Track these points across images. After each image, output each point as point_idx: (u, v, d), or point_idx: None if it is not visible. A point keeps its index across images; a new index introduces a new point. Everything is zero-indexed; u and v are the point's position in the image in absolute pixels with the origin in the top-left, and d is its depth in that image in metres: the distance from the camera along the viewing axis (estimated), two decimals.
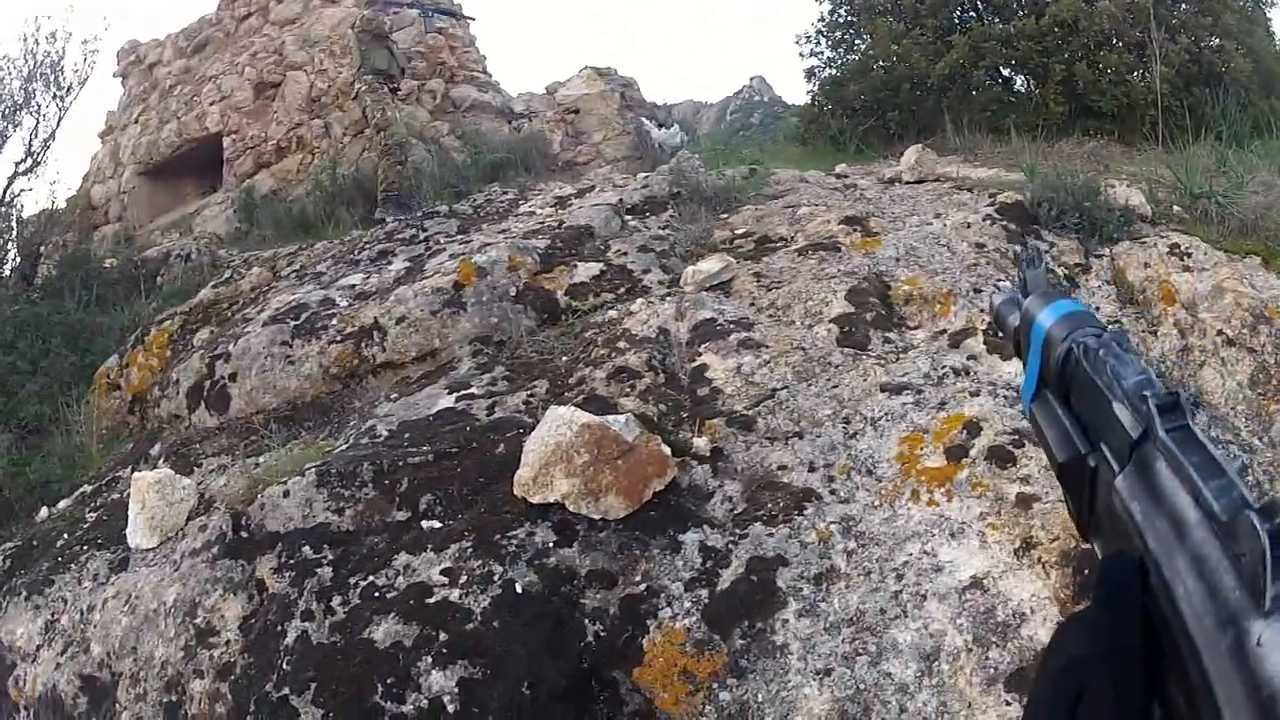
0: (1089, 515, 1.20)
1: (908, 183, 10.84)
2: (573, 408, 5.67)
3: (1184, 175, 9.34)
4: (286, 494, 5.79)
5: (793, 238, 8.82)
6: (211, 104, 18.45)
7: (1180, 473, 0.99)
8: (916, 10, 16.32)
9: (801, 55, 18.29)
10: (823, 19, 18.05)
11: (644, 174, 12.16)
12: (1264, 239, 8.21)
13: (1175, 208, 9.07)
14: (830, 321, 7.01)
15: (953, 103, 14.60)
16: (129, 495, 6.63)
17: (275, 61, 17.62)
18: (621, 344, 7.02)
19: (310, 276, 9.89)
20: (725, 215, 9.97)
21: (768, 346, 6.78)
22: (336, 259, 10.32)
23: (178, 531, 6.32)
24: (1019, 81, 15.97)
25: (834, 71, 17.34)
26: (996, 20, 15.76)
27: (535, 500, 5.34)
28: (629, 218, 9.97)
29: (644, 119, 18.36)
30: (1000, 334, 1.68)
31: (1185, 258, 7.87)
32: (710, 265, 8.05)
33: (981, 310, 6.92)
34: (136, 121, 20.22)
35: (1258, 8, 16.73)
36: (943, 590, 4.67)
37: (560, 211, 10.36)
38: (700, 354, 6.82)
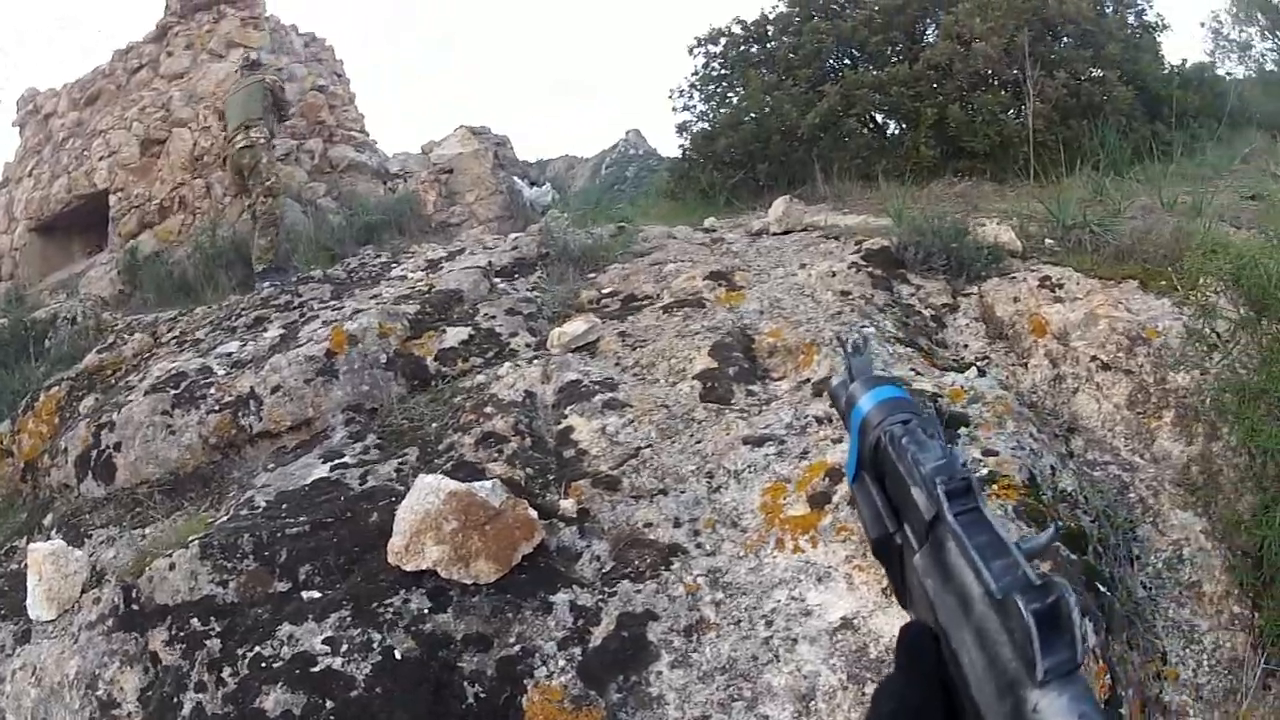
0: (902, 586, 1.32)
1: (775, 234, 10.99)
2: (440, 476, 5.72)
3: (1056, 208, 9.46)
4: (172, 566, 5.77)
5: (659, 295, 8.91)
6: (100, 159, 18.14)
7: (965, 554, 1.12)
8: (790, 61, 16.54)
9: (674, 110, 18.40)
10: (696, 72, 18.27)
11: (514, 235, 12.29)
12: (1142, 262, 8.25)
13: (1047, 240, 9.19)
14: (694, 378, 7.12)
15: (823, 151, 14.74)
16: (26, 566, 6.69)
17: (162, 118, 17.31)
18: (489, 409, 7.04)
19: (190, 344, 9.85)
20: (593, 275, 10.05)
21: (632, 406, 6.87)
22: (215, 325, 10.28)
23: (73, 603, 6.36)
24: (890, 127, 16.19)
25: (705, 125, 17.47)
26: (870, 68, 15.97)
27: (409, 568, 5.38)
28: (498, 280, 10.01)
29: (516, 178, 18.39)
30: (839, 414, 1.72)
31: (1056, 289, 7.99)
32: (576, 327, 8.13)
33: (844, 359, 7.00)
34: (30, 174, 19.93)
35: (1146, 33, 17.00)
36: (813, 633, 4.78)
37: (431, 275, 10.40)
38: (566, 416, 6.90)
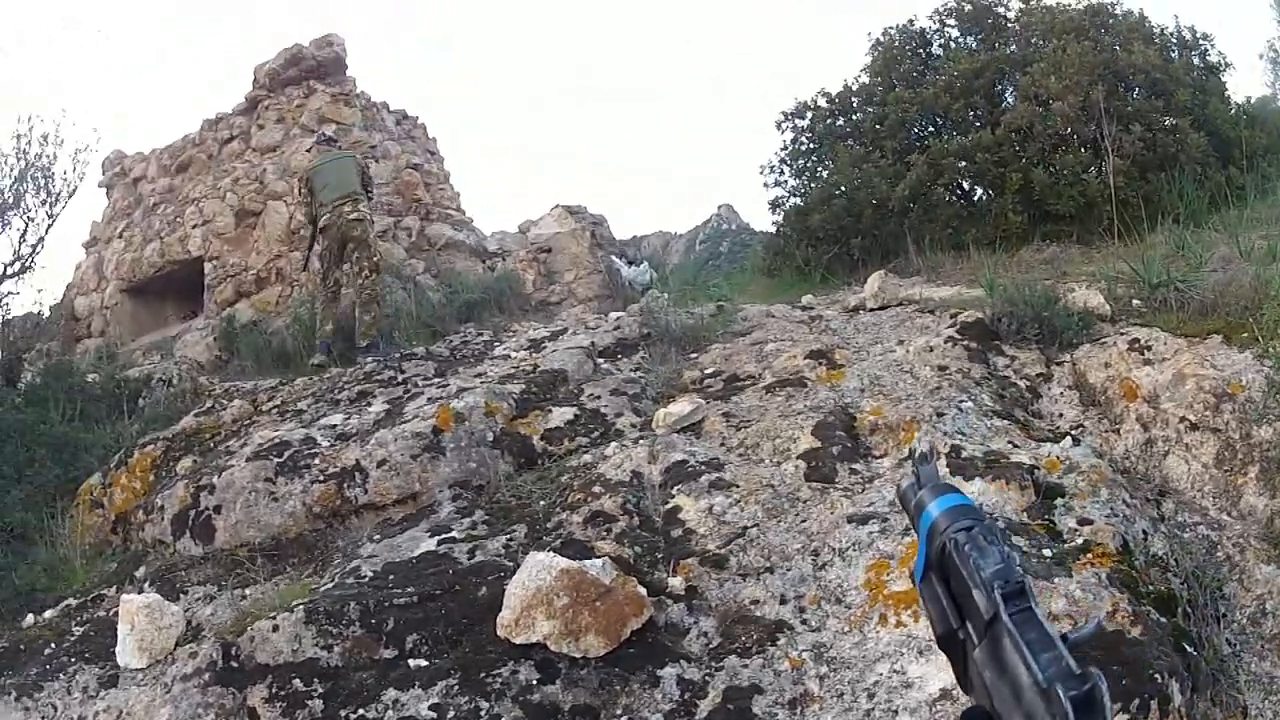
0: (964, 675, 1.53)
1: (871, 310, 11.07)
2: (551, 553, 5.89)
3: (1141, 268, 9.44)
4: (276, 628, 5.88)
5: (760, 374, 8.98)
6: (194, 227, 18.39)
7: (1018, 649, 1.33)
8: (876, 133, 16.53)
9: (765, 185, 18.34)
10: (785, 147, 18.22)
11: (615, 315, 12.38)
12: (1224, 316, 8.24)
13: (1135, 301, 9.25)
14: (798, 458, 7.21)
15: (914, 223, 14.79)
16: (115, 614, 6.76)
17: (256, 190, 17.56)
18: (596, 488, 7.15)
19: (291, 414, 9.99)
20: (694, 355, 10.19)
21: (738, 486, 6.96)
22: (316, 397, 10.41)
23: (166, 655, 6.41)
24: (978, 193, 16.15)
25: (798, 200, 17.49)
26: (954, 134, 15.89)
27: (518, 640, 5.51)
28: (601, 360, 10.20)
29: (614, 257, 18.54)
30: (905, 513, 1.94)
31: (1145, 351, 8.01)
32: (681, 407, 8.25)
33: (945, 433, 7.11)
34: (120, 236, 20.12)
35: (1211, 75, 16.74)
36: (913, 704, 4.86)
37: (534, 355, 10.52)
38: (673, 496, 7.01)
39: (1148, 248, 10.41)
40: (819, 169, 17.80)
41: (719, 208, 29.90)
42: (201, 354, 15.83)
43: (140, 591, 7.22)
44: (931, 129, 16.89)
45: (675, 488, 7.08)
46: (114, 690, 6.33)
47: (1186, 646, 5.29)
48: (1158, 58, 15.33)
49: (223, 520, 7.94)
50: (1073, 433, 7.48)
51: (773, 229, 18.43)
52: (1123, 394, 7.76)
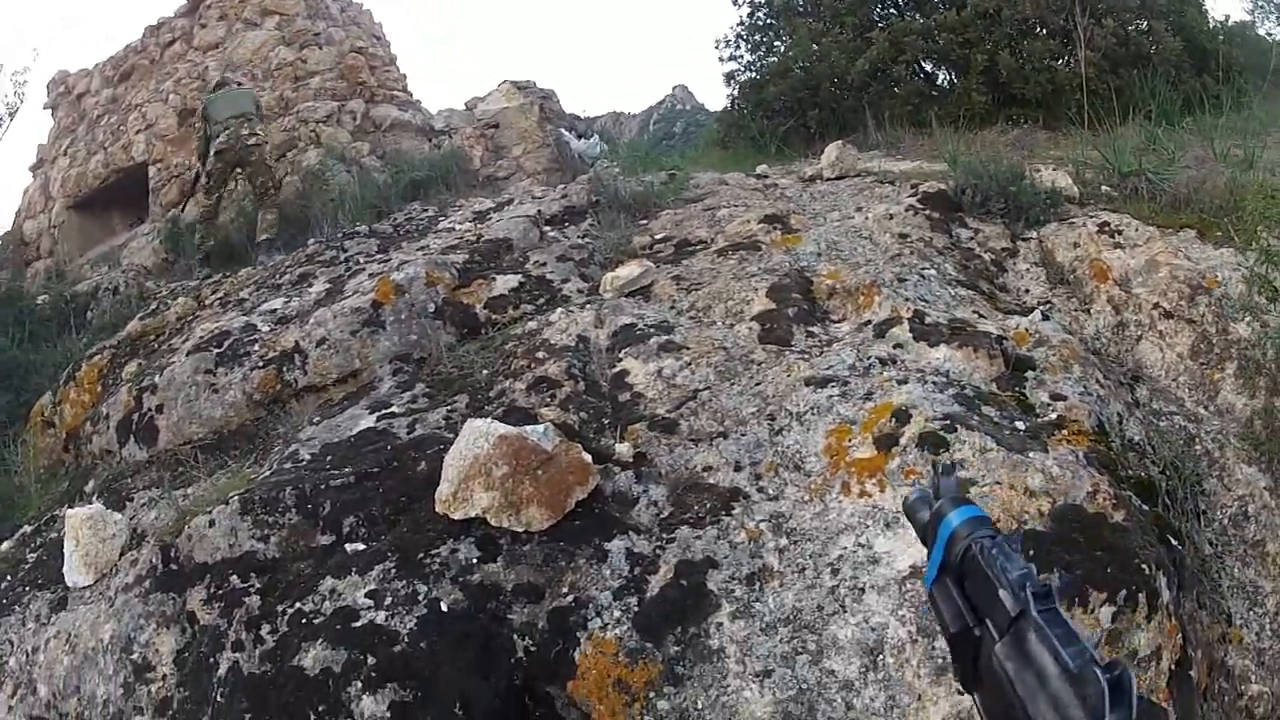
0: (972, 673, 1.69)
1: (829, 179, 10.78)
2: (490, 420, 5.56)
3: (1112, 155, 9.33)
4: (212, 524, 5.69)
5: (713, 239, 8.73)
6: (137, 133, 18.22)
7: (1046, 641, 1.46)
8: (836, 9, 16.22)
9: (721, 60, 18.18)
10: (741, 22, 17.98)
11: (563, 185, 12.09)
12: (1198, 212, 8.20)
13: (1104, 188, 9.13)
14: (751, 319, 6.94)
15: (873, 99, 14.48)
16: (67, 514, 6.65)
17: (199, 88, 17.17)
18: (541, 354, 6.91)
19: (234, 304, 9.75)
20: (645, 221, 9.89)
21: (689, 348, 6.69)
22: (259, 284, 10.16)
23: (111, 567, 6.27)
24: (941, 75, 15.89)
25: (753, 74, 17.18)
26: (917, 15, 15.61)
27: (457, 516, 5.23)
28: (548, 228, 9.87)
29: (563, 130, 18.23)
30: (911, 524, 2.14)
31: (1116, 235, 7.86)
32: (629, 271, 7.94)
33: (907, 299, 6.88)
34: (65, 154, 19.94)
35: None
36: (881, 582, 4.62)
37: (479, 226, 10.20)
38: (620, 359, 6.74)
39: (1118, 137, 10.27)
40: (776, 44, 17.47)
41: (674, 88, 29.89)
42: (148, 258, 15.78)
43: (88, 505, 7.01)
44: (894, 10, 16.65)
45: (623, 351, 6.81)
46: (63, 613, 6.26)
47: (1170, 539, 5.14)
48: None
49: (165, 419, 7.80)
50: (1041, 308, 7.28)
51: (727, 102, 18.13)
52: (1093, 274, 7.63)
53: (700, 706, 4.47)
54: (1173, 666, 4.50)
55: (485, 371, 7.10)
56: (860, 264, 7.61)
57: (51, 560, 6.80)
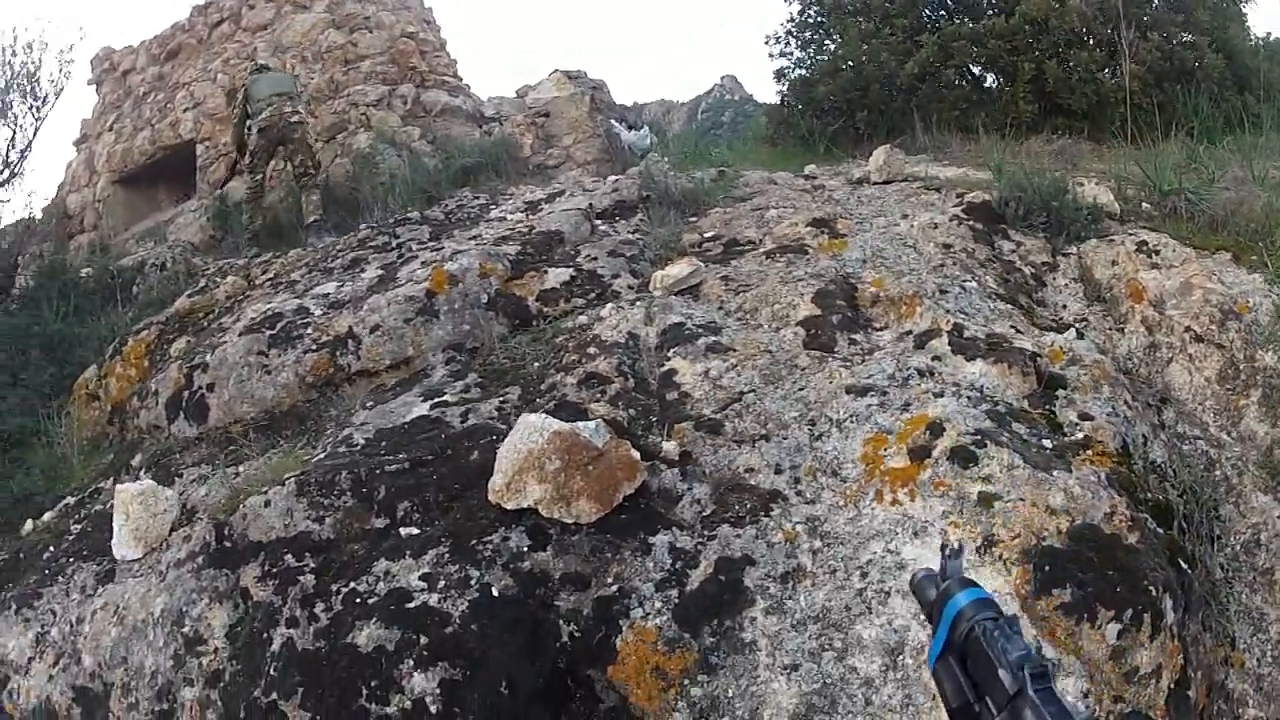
0: None
1: (876, 183, 10.84)
2: (544, 415, 5.76)
3: (1153, 172, 9.30)
4: (267, 504, 5.87)
5: (761, 240, 8.85)
6: (185, 111, 18.28)
7: (1040, 718, 1.65)
8: (886, 10, 16.13)
9: (771, 56, 18.07)
10: (792, 19, 17.87)
11: (614, 178, 12.13)
12: (1235, 234, 8.19)
13: (1144, 205, 9.09)
14: (797, 325, 7.11)
15: (921, 102, 14.48)
16: (112, 507, 6.67)
17: (248, 68, 17.32)
18: (591, 350, 7.11)
19: (285, 285, 10.01)
20: (694, 219, 10.03)
21: (735, 350, 6.88)
22: (310, 267, 10.33)
23: (162, 542, 6.36)
24: (989, 80, 15.79)
25: (803, 72, 17.19)
26: (966, 19, 15.59)
27: (509, 506, 5.44)
28: (599, 222, 10.08)
29: (613, 121, 18.32)
30: (918, 603, 2.35)
31: (1153, 255, 7.90)
32: (679, 270, 8.11)
33: (948, 311, 7.03)
34: (111, 129, 19.91)
35: (1232, 3, 16.40)
36: (905, 588, 4.78)
37: (531, 217, 10.36)
38: (669, 359, 6.92)
39: (1159, 153, 10.19)
40: (826, 42, 17.44)
41: (722, 78, 29.79)
42: (195, 235, 15.85)
43: (136, 479, 7.14)
44: (943, 12, 16.58)
45: (671, 350, 7.00)
46: (111, 585, 6.35)
47: (1181, 563, 5.26)
48: None
49: (216, 398, 8.00)
50: (1076, 325, 7.45)
51: (776, 99, 18.00)
52: (1128, 294, 7.68)
53: (731, 695, 4.71)
54: (1172, 685, 4.67)
55: (537, 364, 7.29)
56: (904, 273, 7.73)
57: (96, 532, 6.95)
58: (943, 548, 2.41)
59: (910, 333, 6.93)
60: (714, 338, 7.06)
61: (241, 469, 7.03)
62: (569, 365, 6.99)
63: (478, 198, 12.31)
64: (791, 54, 17.75)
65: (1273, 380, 6.67)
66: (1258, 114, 12.85)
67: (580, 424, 5.63)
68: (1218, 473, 6.30)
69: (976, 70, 15.71)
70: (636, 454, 5.63)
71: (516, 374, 7.22)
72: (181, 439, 7.98)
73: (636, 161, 14.03)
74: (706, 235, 9.30)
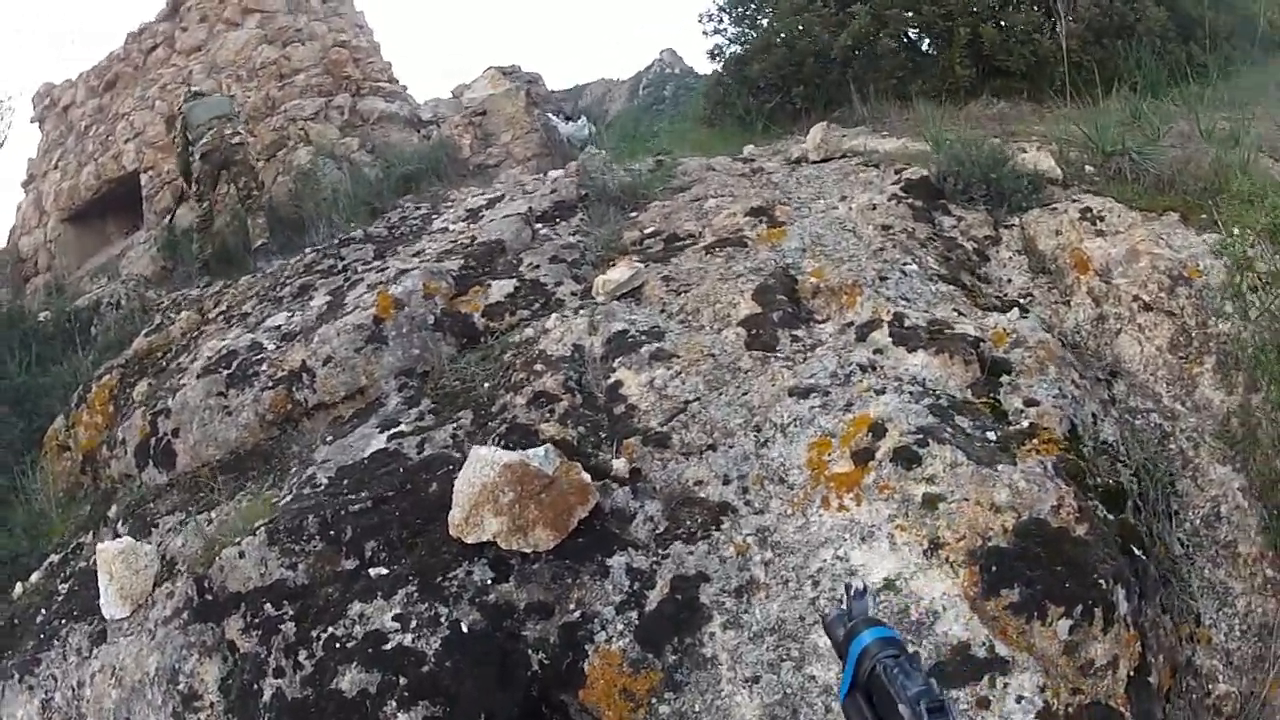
0: None
1: (814, 162, 10.85)
2: (494, 448, 5.82)
3: (1095, 133, 9.27)
4: (242, 554, 5.94)
5: (700, 233, 8.89)
6: (126, 141, 18.12)
7: None
8: None
9: (705, 34, 17.92)
10: None
11: (552, 175, 12.13)
12: (1182, 194, 8.16)
13: (1088, 168, 9.11)
14: (738, 324, 7.12)
15: (857, 73, 14.38)
16: (95, 563, 6.75)
17: (184, 94, 17.25)
18: (539, 366, 7.11)
19: (237, 319, 10.00)
20: (634, 214, 10.02)
21: (679, 356, 6.92)
22: (260, 297, 10.28)
23: (146, 598, 6.42)
24: (924, 46, 15.69)
25: (737, 48, 17.08)
26: None
27: (470, 540, 5.53)
28: (539, 226, 10.07)
29: (550, 115, 18.32)
30: (830, 642, 2.52)
31: (1098, 221, 7.92)
32: (619, 273, 8.11)
33: (889, 299, 7.09)
34: (56, 167, 19.77)
35: None
36: None
37: (472, 226, 10.32)
38: (615, 369, 6.95)
39: (1101, 112, 10.21)
40: (759, 17, 17.29)
41: (661, 53, 29.35)
42: (146, 267, 15.78)
43: (115, 535, 7.41)
44: None
45: (617, 360, 7.01)
46: (105, 645, 6.40)
47: (1134, 549, 5.34)
48: None
49: (181, 443, 7.98)
50: (1021, 302, 7.50)
51: (712, 78, 17.93)
52: (1073, 264, 7.69)
53: (698, 710, 4.85)
54: (1131, 673, 4.76)
55: (487, 384, 7.31)
56: (844, 260, 7.77)
57: (84, 590, 6.99)
58: (847, 588, 2.59)
59: (852, 324, 6.99)
60: (657, 344, 7.09)
61: (214, 515, 7.04)
62: (518, 384, 6.99)
63: (419, 207, 12.20)
64: (725, 30, 17.66)
65: (1227, 347, 6.70)
66: (1204, 64, 12.94)
67: (530, 452, 5.70)
68: (1172, 446, 6.37)
69: (912, 35, 15.60)
70: (588, 476, 5.69)
71: (468, 396, 7.25)
72: (153, 486, 8.00)
73: (576, 153, 14.09)
74: (647, 231, 9.28)
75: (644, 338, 7.19)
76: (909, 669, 2.12)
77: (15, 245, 20.16)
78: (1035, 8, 14.12)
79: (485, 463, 5.60)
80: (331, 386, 7.81)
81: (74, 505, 8.95)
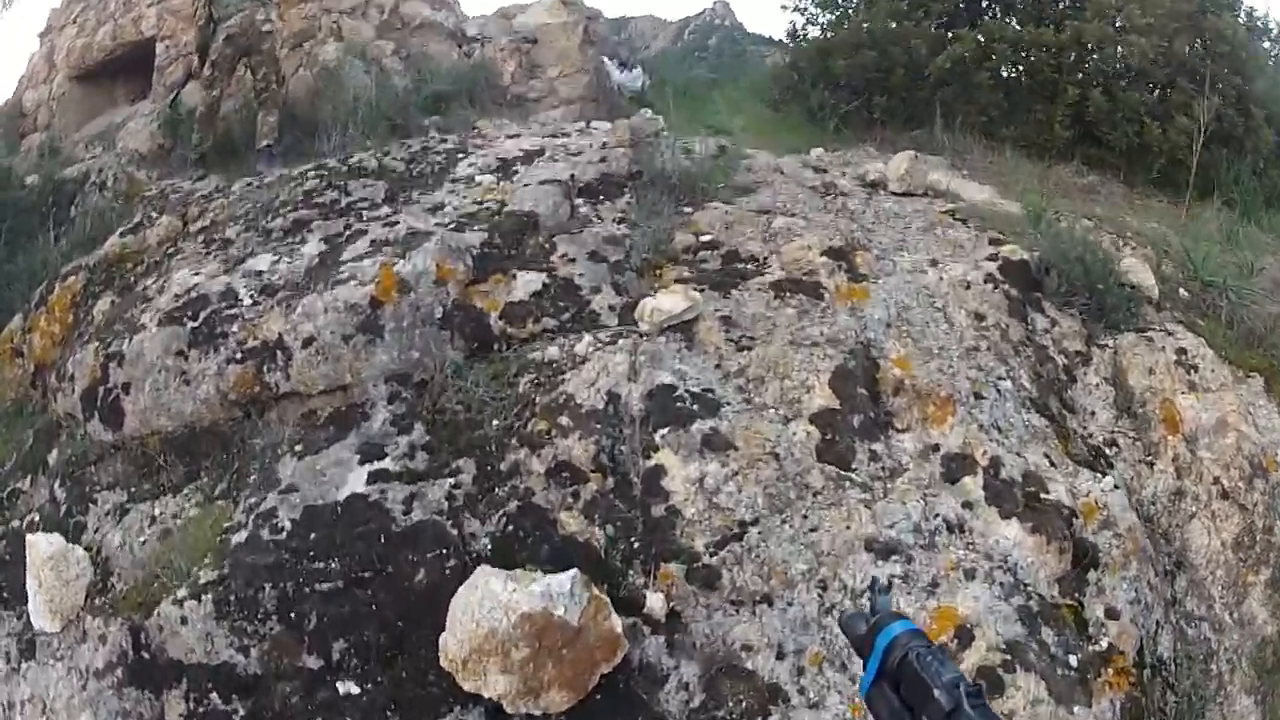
0: None
1: (894, 193, 9.84)
2: (507, 583, 5.00)
3: (1192, 249, 8.81)
4: (184, 620, 5.42)
5: (766, 260, 7.84)
6: (149, 5, 16.97)
7: None
8: None
9: (783, 8, 17.04)
10: None
11: (602, 130, 11.06)
12: (1269, 354, 7.79)
13: (1182, 291, 8.47)
14: (810, 420, 6.19)
15: (948, 98, 13.56)
16: (28, 526, 6.74)
17: None
18: (564, 420, 6.14)
19: (218, 245, 8.77)
20: (689, 209, 8.74)
21: (736, 447, 5.95)
22: (248, 221, 9.02)
23: (77, 613, 6.08)
24: (1025, 92, 14.40)
25: (821, 35, 16.12)
26: (1010, 19, 14.62)
27: (467, 687, 4.89)
28: (580, 202, 8.72)
29: (605, 59, 17.42)
30: (846, 638, 2.59)
31: (1192, 371, 7.30)
32: (672, 303, 6.98)
33: (981, 426, 6.39)
34: (74, 21, 18.68)
35: None
36: None
37: (504, 181, 9.06)
38: (657, 446, 5.98)
39: (1195, 220, 10.27)
40: (847, 8, 16.33)
41: (714, 2, 29.28)
42: (144, 143, 14.54)
43: (50, 497, 7.23)
44: (985, 3, 15.45)
45: (660, 433, 6.01)
46: (34, 666, 6.18)
47: None
48: (1243, 35, 14.30)
49: (132, 403, 7.13)
50: (1107, 452, 6.85)
51: (784, 60, 17.01)
52: (1163, 418, 7.07)
53: None
54: None
55: (496, 422, 6.37)
56: (933, 352, 6.92)
57: (14, 566, 6.58)
58: (872, 583, 2.78)
59: (938, 448, 6.21)
60: (711, 421, 6.07)
61: (157, 509, 6.51)
62: (536, 438, 6.07)
63: (445, 139, 10.97)
64: (806, 8, 16.74)
65: None
66: None
67: (554, 588, 4.89)
68: (1213, 667, 6.04)
69: (1013, 75, 14.60)
70: (618, 622, 5.01)
71: (472, 437, 6.31)
72: (97, 442, 7.25)
73: (625, 104, 13.15)
74: (703, 239, 8.25)
75: (696, 407, 6.19)
76: (941, 657, 2.21)
77: (19, 99, 19.39)
78: (1151, 92, 13.37)
79: (496, 603, 4.83)
80: (309, 377, 6.82)
81: (20, 422, 8.55)
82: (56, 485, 7.21)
